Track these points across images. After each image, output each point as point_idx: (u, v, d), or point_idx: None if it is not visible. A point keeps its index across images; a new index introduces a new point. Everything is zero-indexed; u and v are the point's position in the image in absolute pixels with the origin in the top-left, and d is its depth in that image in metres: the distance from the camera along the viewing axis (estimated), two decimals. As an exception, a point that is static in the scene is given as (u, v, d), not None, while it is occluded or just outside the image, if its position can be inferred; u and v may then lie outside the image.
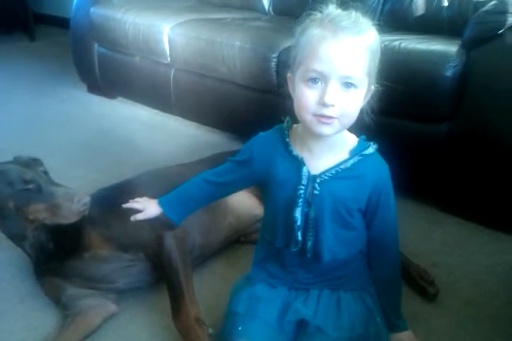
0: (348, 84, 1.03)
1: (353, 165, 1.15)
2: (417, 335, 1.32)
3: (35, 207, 1.36)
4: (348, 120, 1.08)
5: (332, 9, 1.06)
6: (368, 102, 1.13)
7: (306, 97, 1.05)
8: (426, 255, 1.74)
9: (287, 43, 2.29)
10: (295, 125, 1.20)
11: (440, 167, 1.93)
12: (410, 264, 1.60)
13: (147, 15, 2.89)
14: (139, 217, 1.35)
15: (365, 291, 1.29)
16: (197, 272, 1.63)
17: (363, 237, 1.26)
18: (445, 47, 1.88)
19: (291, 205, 1.17)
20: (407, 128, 1.95)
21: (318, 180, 1.14)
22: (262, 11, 3.28)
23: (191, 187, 1.37)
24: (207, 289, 1.57)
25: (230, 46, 2.42)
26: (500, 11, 1.70)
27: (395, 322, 1.28)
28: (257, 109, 2.46)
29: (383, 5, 2.69)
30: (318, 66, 1.02)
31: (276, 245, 1.26)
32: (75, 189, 1.41)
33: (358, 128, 1.16)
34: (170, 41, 2.72)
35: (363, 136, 1.20)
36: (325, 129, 1.07)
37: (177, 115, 2.98)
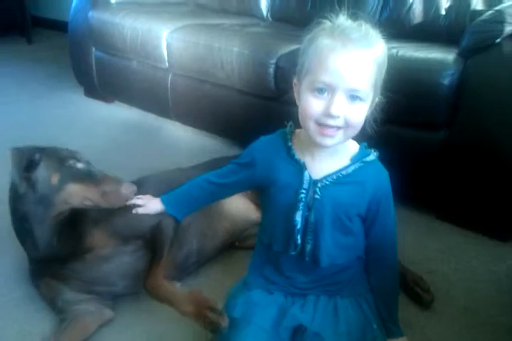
0: (354, 97, 1.05)
1: (354, 171, 1.16)
2: (413, 342, 1.32)
3: (81, 185, 1.37)
4: (352, 131, 1.10)
5: (343, 20, 1.07)
6: (372, 113, 1.15)
7: (311, 107, 1.07)
8: (421, 262, 1.75)
9: (285, 49, 2.30)
10: (298, 130, 1.21)
11: (436, 175, 1.94)
12: (406, 271, 1.60)
13: (145, 20, 2.89)
14: (140, 210, 1.46)
15: (362, 298, 1.29)
16: (193, 277, 1.64)
17: (361, 243, 1.26)
18: (442, 56, 1.89)
19: (292, 209, 1.18)
20: (404, 136, 1.95)
21: (319, 185, 1.16)
22: (260, 16, 3.29)
23: (194, 187, 1.43)
24: (203, 294, 1.57)
25: (228, 52, 2.43)
26: (498, 20, 1.71)
27: (391, 328, 1.28)
28: (255, 114, 2.47)
29: (381, 13, 2.70)
30: (327, 77, 1.03)
31: (275, 249, 1.26)
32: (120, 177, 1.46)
33: (356, 136, 1.17)
34: (168, 46, 2.72)
35: (365, 143, 1.21)
36: (327, 141, 1.09)
37: (174, 120, 2.98)
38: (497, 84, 1.73)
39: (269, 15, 3.27)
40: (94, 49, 3.25)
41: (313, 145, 1.15)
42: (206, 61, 2.54)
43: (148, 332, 1.45)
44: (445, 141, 1.88)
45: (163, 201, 1.46)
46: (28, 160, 1.35)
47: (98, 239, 1.46)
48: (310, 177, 1.16)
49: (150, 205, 1.47)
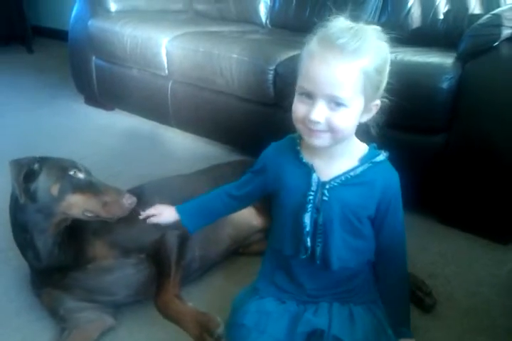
0: (337, 103, 1.04)
1: (362, 172, 1.16)
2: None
3: (82, 196, 1.36)
4: (341, 135, 1.09)
5: (336, 23, 1.06)
6: (373, 116, 1.14)
7: (297, 110, 1.10)
8: (423, 266, 1.74)
9: (284, 56, 2.31)
10: None
11: (436, 178, 1.94)
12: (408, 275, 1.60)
13: (145, 28, 2.91)
14: (153, 220, 1.40)
15: (374, 304, 1.29)
16: (195, 284, 1.63)
17: (372, 246, 1.26)
18: (441, 60, 1.90)
19: (301, 211, 1.19)
20: (403, 140, 1.95)
21: (327, 187, 1.16)
22: (260, 23, 3.31)
23: (214, 200, 1.40)
24: (205, 302, 1.56)
25: (227, 59, 2.44)
26: (495, 24, 1.71)
27: (401, 329, 1.27)
28: (254, 120, 2.47)
29: (379, 17, 2.72)
30: (306, 84, 1.06)
31: (285, 253, 1.26)
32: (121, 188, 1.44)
33: (361, 138, 1.18)
34: (168, 54, 2.74)
35: (374, 144, 1.21)
36: (316, 141, 1.10)
37: (175, 127, 2.99)
38: (495, 88, 1.73)
39: (268, 22, 3.29)
40: (94, 57, 3.27)
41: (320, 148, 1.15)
42: (206, 68, 2.55)
43: (149, 339, 1.44)
44: (445, 145, 1.88)
45: (179, 211, 1.40)
46: (27, 170, 1.34)
47: (99, 249, 1.46)
48: (318, 179, 1.17)
49: (164, 214, 1.40)
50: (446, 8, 2.48)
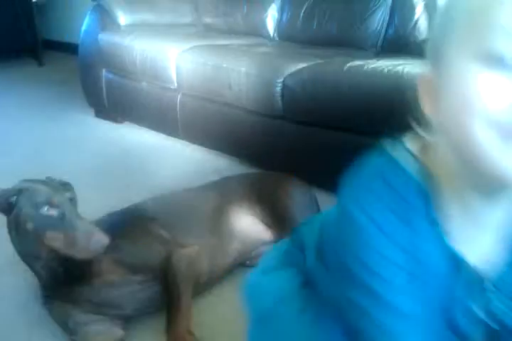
0: None
1: None
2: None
3: (53, 235, 1.34)
4: None
5: None
6: None
7: (487, 95, 0.57)
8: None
9: (292, 68, 2.32)
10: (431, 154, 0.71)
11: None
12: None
13: (154, 42, 2.94)
14: None
15: None
16: (203, 297, 1.63)
17: None
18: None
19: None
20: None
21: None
22: (267, 36, 3.33)
23: None
24: (213, 314, 1.56)
25: (235, 72, 2.46)
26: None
27: None
28: (263, 133, 2.47)
29: (386, 29, 2.72)
30: (500, 43, 0.56)
31: None
32: (95, 227, 1.37)
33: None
34: (177, 67, 2.76)
35: None
36: None
37: (184, 139, 3.00)
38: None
39: (275, 35, 3.31)
40: (104, 71, 3.30)
41: (474, 186, 0.65)
42: (214, 81, 2.57)
43: (159, 351, 1.45)
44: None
45: None
46: (5, 204, 1.33)
47: (105, 265, 1.45)
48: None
49: None
50: (453, 20, 2.49)
